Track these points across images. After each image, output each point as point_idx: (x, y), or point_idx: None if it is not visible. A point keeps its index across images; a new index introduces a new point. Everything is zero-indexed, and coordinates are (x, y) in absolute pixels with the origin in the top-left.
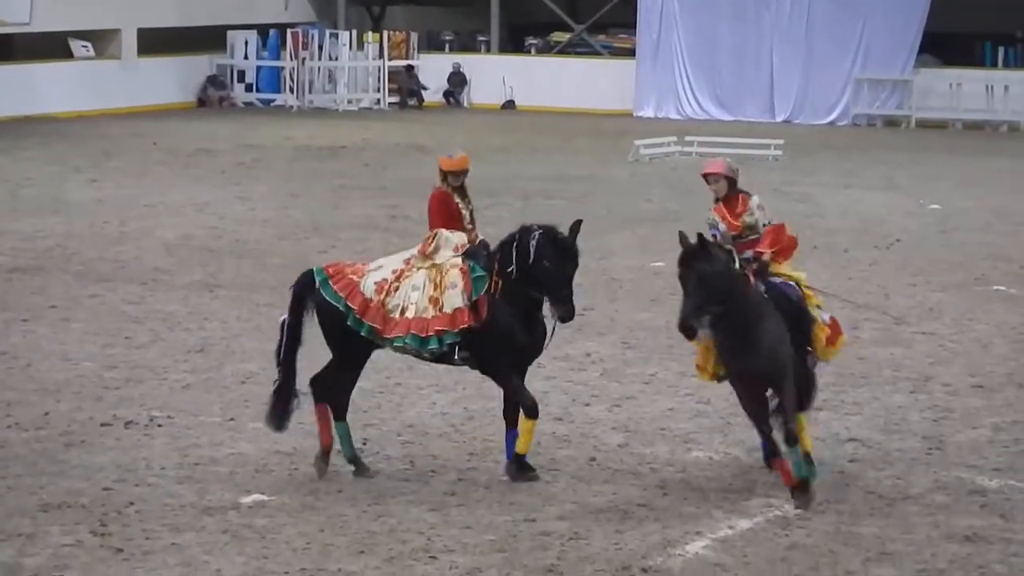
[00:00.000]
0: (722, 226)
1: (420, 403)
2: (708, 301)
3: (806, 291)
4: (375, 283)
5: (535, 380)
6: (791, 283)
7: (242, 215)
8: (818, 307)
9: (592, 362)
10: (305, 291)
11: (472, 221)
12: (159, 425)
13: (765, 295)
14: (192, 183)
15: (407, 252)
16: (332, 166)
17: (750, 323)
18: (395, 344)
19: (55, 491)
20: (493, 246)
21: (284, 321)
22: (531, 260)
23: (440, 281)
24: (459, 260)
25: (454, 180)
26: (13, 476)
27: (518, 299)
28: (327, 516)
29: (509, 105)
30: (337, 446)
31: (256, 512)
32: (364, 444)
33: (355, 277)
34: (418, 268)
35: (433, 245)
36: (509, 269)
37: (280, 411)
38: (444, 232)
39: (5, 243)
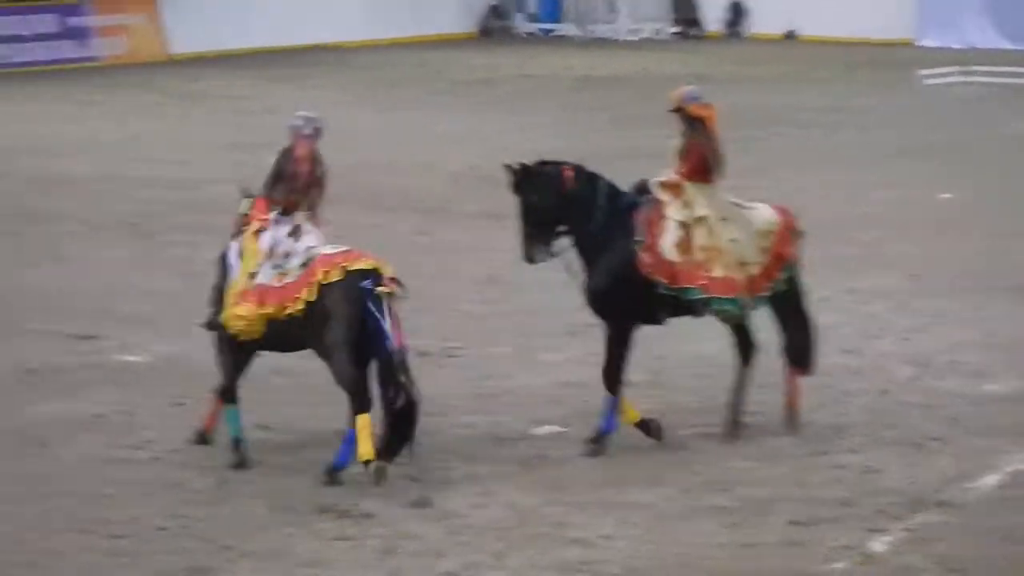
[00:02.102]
0: None
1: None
2: None
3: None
4: None
5: (822, 313)
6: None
7: (523, 145)
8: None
9: (880, 295)
10: None
11: (680, 156)
12: (449, 356)
13: None
14: (475, 113)
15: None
16: (611, 96)
17: None
18: None
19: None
20: None
21: None
22: None
23: None
24: None
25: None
26: (310, 404)
27: None
28: (620, 448)
29: (790, 35)
30: None
31: (550, 443)
32: (656, 376)
33: None
34: None
35: None
36: None
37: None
38: None
39: None
